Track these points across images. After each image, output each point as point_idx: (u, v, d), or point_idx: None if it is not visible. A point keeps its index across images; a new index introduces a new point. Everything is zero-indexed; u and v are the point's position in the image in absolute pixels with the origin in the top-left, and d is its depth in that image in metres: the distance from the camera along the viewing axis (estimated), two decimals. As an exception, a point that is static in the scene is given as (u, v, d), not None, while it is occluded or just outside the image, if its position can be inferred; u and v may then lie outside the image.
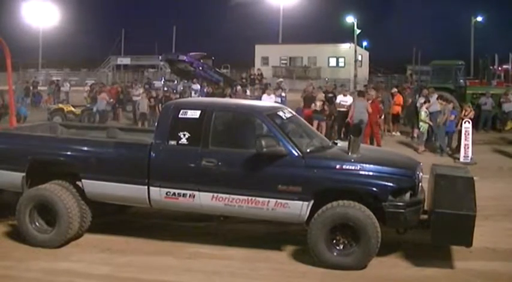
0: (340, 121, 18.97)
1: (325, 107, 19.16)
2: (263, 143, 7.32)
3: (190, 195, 7.54)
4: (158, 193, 7.64)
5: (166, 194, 7.62)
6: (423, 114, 17.24)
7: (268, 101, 18.47)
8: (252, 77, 35.61)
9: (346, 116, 18.45)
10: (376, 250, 7.07)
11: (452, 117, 17.14)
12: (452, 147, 17.14)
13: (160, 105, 21.27)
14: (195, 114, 7.77)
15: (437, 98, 18.45)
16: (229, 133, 8.11)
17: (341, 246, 7.18)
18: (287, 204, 7.25)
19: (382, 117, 20.33)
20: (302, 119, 9.79)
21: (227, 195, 7.41)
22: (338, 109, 19.07)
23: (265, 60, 56.39)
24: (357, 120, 16.98)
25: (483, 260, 7.54)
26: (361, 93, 19.27)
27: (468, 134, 15.66)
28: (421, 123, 17.37)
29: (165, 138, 7.74)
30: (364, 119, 17.13)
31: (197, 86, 30.86)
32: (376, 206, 7.13)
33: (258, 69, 40.75)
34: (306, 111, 19.85)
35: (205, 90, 29.61)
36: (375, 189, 7.13)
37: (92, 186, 7.87)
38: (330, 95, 21.24)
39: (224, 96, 24.33)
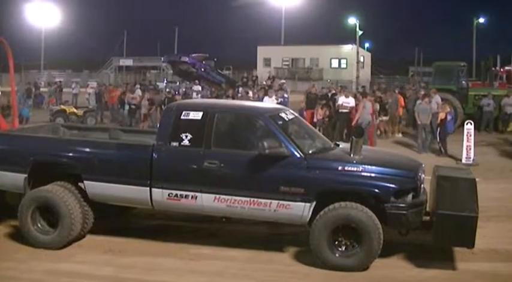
0: (342, 122, 18.97)
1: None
2: (265, 144, 7.34)
3: (192, 197, 7.54)
4: (160, 194, 7.64)
5: (169, 195, 7.62)
6: None
7: (269, 102, 18.49)
8: (253, 78, 35.74)
9: (348, 117, 18.48)
10: (379, 251, 7.07)
11: (449, 118, 17.34)
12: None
13: (162, 106, 21.28)
14: (197, 115, 7.77)
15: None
16: (232, 134, 8.11)
17: (343, 248, 7.18)
18: (289, 206, 7.25)
19: (384, 118, 20.45)
20: (304, 121, 9.80)
21: (229, 197, 7.41)
22: (340, 110, 19.07)
23: (267, 62, 56.42)
24: (366, 121, 17.12)
25: (485, 261, 7.54)
26: (365, 94, 19.32)
27: (470, 135, 15.66)
28: None
29: (167, 140, 7.74)
30: (370, 121, 17.31)
31: (198, 87, 30.92)
32: (379, 207, 7.13)
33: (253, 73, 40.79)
34: (308, 112, 19.91)
35: (203, 91, 29.74)
36: (377, 190, 7.13)
37: (94, 187, 7.87)
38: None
39: (227, 97, 24.35)
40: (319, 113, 19.32)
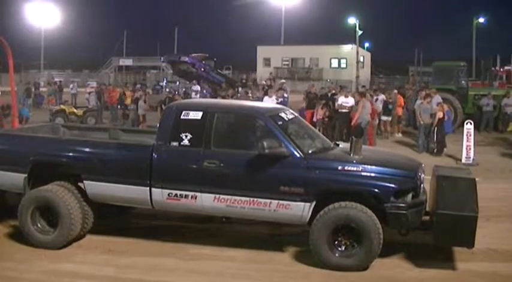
0: (342, 122, 18.96)
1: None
2: (265, 144, 7.34)
3: (192, 197, 7.54)
4: (160, 194, 7.64)
5: (168, 195, 7.62)
6: None
7: (269, 102, 18.48)
8: (253, 80, 35.83)
9: (348, 117, 18.47)
10: (378, 251, 7.07)
11: (446, 117, 17.46)
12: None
13: (163, 106, 21.24)
14: (197, 115, 7.77)
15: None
16: (231, 134, 8.11)
17: (343, 248, 7.18)
18: (289, 206, 7.25)
19: (386, 119, 20.50)
20: (304, 120, 9.80)
21: (229, 197, 7.41)
22: (339, 110, 19.06)
23: (267, 62, 56.40)
24: (365, 121, 17.14)
25: (485, 261, 7.54)
26: (363, 94, 19.32)
27: (470, 135, 15.65)
28: None
29: (167, 140, 7.74)
30: (369, 120, 17.34)
31: (197, 87, 30.91)
32: (378, 207, 7.13)
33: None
34: (308, 112, 19.90)
35: (204, 91, 29.72)
36: (376, 190, 7.13)
37: (94, 187, 7.87)
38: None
39: (226, 97, 24.35)
40: (319, 113, 19.32)
